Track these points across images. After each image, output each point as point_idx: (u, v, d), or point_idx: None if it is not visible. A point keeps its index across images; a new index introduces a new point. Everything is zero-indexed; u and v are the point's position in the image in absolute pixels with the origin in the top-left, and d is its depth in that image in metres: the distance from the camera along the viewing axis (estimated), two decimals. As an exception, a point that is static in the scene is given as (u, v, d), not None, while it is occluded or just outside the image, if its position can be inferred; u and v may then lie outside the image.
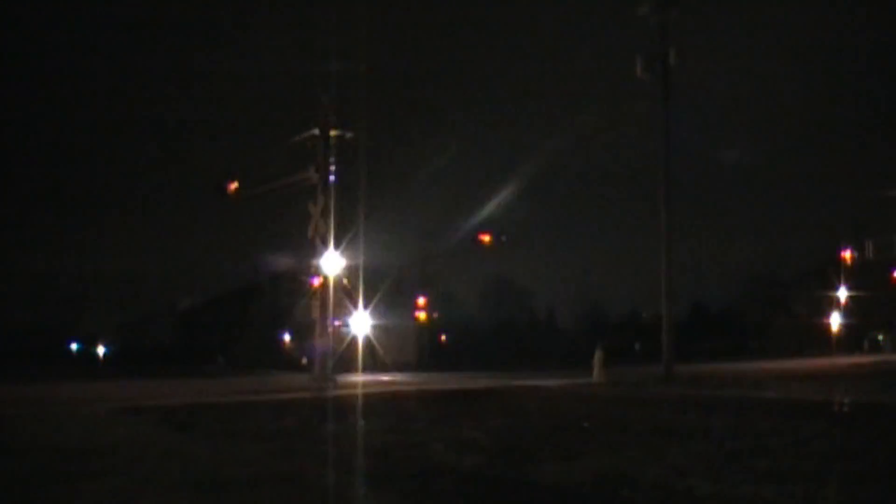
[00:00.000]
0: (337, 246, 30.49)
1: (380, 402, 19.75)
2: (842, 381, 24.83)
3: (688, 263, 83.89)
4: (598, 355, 28.42)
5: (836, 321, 60.44)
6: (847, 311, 59.89)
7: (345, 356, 36.61)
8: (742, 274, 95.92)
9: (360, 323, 35.63)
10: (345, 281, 34.80)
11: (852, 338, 60.35)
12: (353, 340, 35.69)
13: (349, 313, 35.04)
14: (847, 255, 61.89)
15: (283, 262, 44.94)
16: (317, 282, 29.30)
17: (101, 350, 76.47)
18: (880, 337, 62.08)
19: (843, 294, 59.07)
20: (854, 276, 59.85)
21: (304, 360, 41.50)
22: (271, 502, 7.86)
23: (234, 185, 30.32)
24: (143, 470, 9.61)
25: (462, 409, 17.01)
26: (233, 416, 16.21)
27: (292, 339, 51.11)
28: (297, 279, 39.68)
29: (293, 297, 48.23)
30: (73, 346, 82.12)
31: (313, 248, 27.77)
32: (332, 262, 30.70)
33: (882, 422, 13.46)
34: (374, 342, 40.16)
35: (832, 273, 60.27)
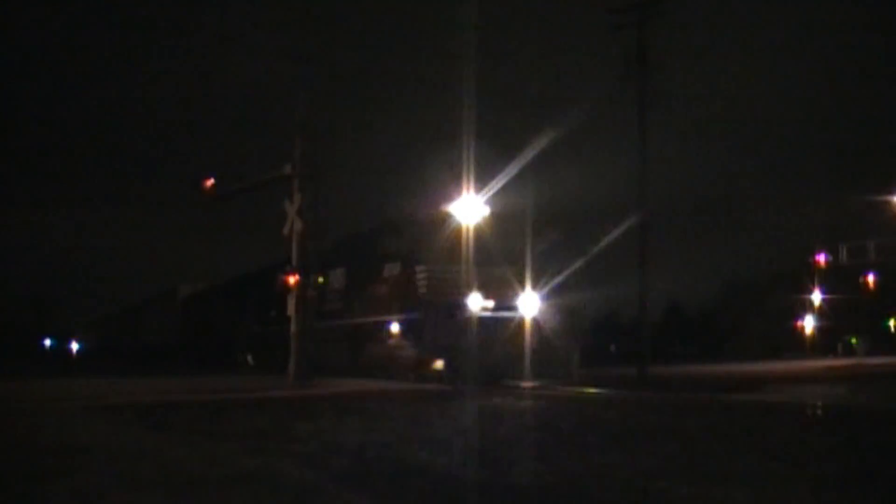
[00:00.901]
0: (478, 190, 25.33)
1: (354, 401, 19.70)
2: (815, 384, 24.99)
3: (664, 265, 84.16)
4: (574, 356, 28.28)
5: (810, 324, 60.92)
6: (821, 314, 60.38)
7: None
8: (717, 276, 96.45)
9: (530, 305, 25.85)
10: (320, 279, 30.46)
11: (826, 341, 60.82)
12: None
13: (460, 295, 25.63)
14: (821, 258, 62.45)
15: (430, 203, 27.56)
16: (293, 280, 27.82)
17: (74, 346, 75.59)
18: (853, 340, 62.56)
19: (817, 297, 59.55)
20: (828, 280, 60.38)
21: (440, 364, 26.56)
22: (243, 501, 7.80)
23: (210, 182, 29.81)
24: (116, 468, 9.53)
25: (435, 410, 16.97)
26: (207, 414, 16.12)
27: (406, 331, 28.44)
28: (430, 220, 27.11)
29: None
30: (47, 343, 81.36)
31: (288, 246, 27.60)
32: (470, 208, 25.33)
33: (854, 424, 13.54)
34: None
35: (806, 277, 60.76)
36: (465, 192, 25.28)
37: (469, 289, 25.38)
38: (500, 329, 26.06)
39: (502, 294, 26.31)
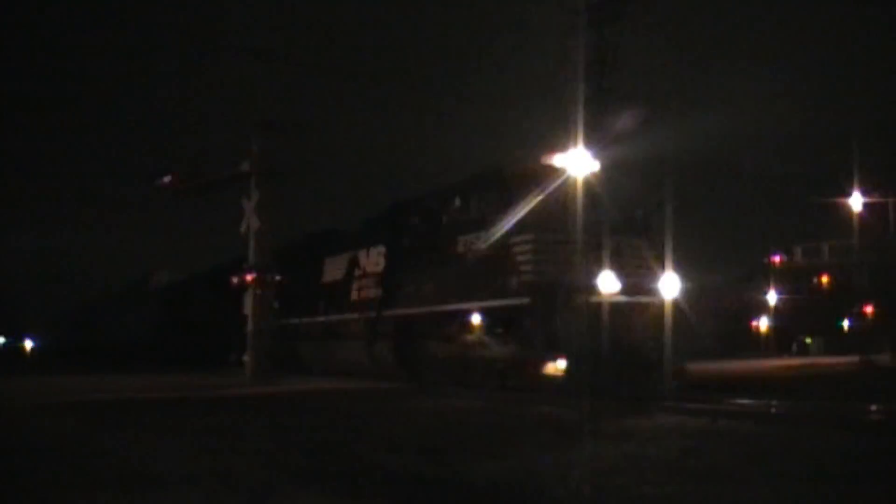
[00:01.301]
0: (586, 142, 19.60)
1: (310, 399, 19.59)
2: (772, 383, 25.20)
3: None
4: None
5: (765, 324, 61.60)
6: (776, 314, 61.08)
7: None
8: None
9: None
10: (277, 277, 27.70)
11: (781, 341, 61.43)
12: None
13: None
14: (776, 259, 63.41)
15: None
16: (249, 278, 27.40)
17: (28, 344, 74.31)
18: (808, 340, 63.26)
19: (772, 298, 60.26)
20: (783, 281, 61.22)
21: (556, 367, 19.04)
22: (199, 499, 7.75)
23: (168, 179, 29.44)
24: (67, 467, 9.42)
25: (393, 408, 16.92)
26: (161, 413, 15.99)
27: (494, 323, 21.31)
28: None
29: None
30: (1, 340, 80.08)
31: (246, 244, 27.43)
32: (579, 160, 19.52)
33: (809, 422, 13.59)
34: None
35: (762, 277, 61.53)
36: (573, 144, 19.94)
37: (598, 264, 19.12)
38: (640, 320, 19.52)
39: (637, 272, 19.92)
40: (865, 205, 40.56)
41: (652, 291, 19.44)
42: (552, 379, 18.92)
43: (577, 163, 19.72)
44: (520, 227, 20.16)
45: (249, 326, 27.10)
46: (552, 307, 18.92)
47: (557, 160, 20.05)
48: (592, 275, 18.91)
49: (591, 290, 18.83)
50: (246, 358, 31.85)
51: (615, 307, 18.89)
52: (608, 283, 18.89)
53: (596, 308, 18.61)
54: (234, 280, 27.84)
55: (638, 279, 19.64)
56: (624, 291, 19.24)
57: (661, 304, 18.99)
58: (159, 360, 40.72)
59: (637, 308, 19.49)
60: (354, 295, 27.62)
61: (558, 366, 18.98)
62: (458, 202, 23.36)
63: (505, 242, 20.51)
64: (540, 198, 19.83)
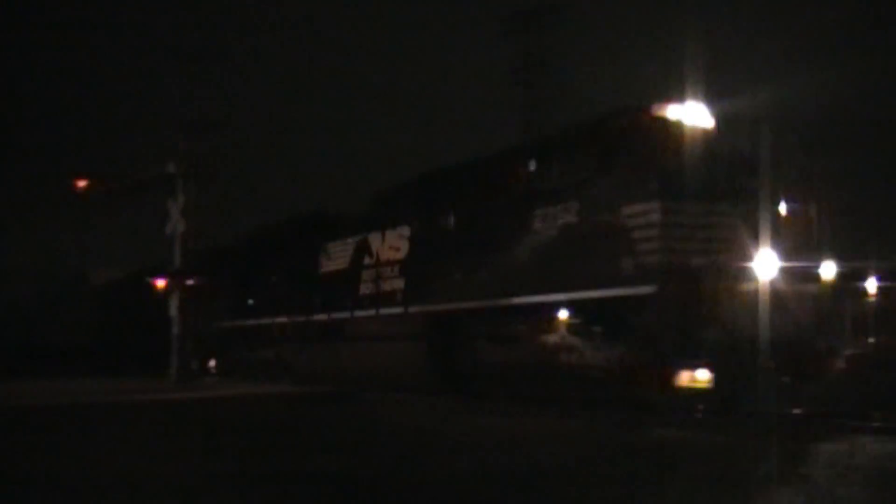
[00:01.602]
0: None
1: (238, 404, 19.34)
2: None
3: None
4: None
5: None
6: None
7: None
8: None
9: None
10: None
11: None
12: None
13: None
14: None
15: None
16: (161, 283, 26.91)
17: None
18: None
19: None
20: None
21: (694, 377, 14.55)
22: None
23: (82, 183, 28.83)
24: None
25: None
26: (92, 417, 15.65)
27: (592, 320, 16.27)
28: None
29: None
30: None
31: (171, 247, 26.99)
32: (694, 111, 15.12)
33: (748, 425, 13.42)
34: None
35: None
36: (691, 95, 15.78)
37: (756, 241, 14.87)
38: (804, 312, 15.28)
39: (797, 251, 15.52)
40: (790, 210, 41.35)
41: (815, 276, 15.66)
42: (693, 389, 14.77)
43: (700, 115, 15.66)
44: (637, 193, 15.45)
45: (174, 330, 26.61)
46: (690, 298, 14.65)
47: (673, 112, 15.68)
48: (746, 255, 14.87)
49: (746, 275, 14.80)
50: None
51: (776, 297, 14.63)
52: (769, 265, 14.72)
53: (751, 299, 14.45)
54: (158, 283, 27.39)
55: (798, 260, 15.45)
56: (783, 276, 15.09)
57: (826, 292, 15.61)
58: (97, 363, 37.75)
59: (801, 297, 15.34)
60: (366, 288, 22.99)
61: (698, 376, 14.80)
62: (533, 166, 18.28)
63: (613, 214, 15.79)
64: (660, 157, 15.43)
